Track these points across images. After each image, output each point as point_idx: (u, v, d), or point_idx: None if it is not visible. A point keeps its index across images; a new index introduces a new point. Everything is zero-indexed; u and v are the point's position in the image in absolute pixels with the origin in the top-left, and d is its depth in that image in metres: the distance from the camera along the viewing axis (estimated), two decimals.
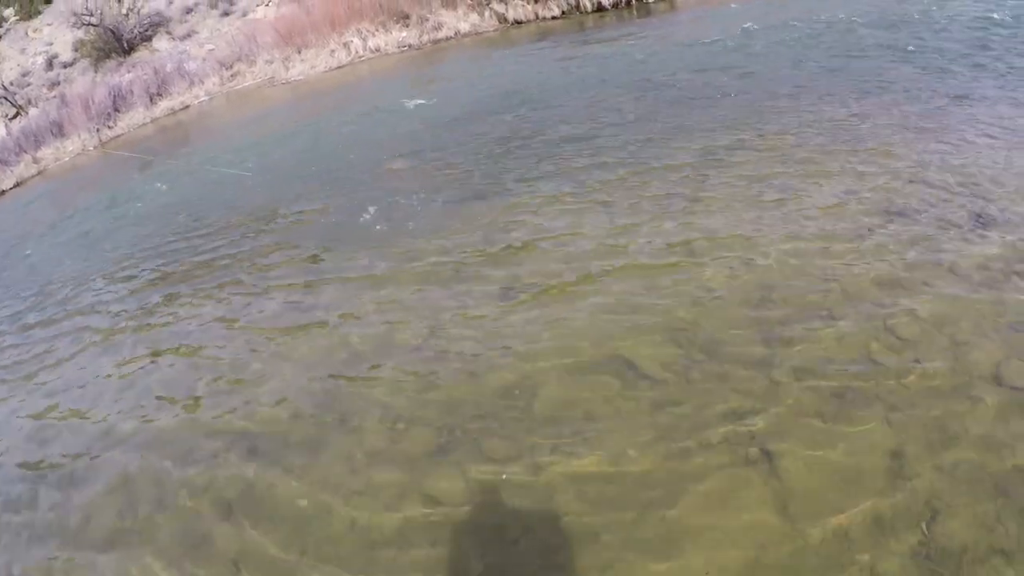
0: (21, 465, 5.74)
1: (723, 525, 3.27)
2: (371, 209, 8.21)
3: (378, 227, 7.69)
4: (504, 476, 3.89)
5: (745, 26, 12.55)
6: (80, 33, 35.51)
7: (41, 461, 5.66)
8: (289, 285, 7.07)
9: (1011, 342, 3.98)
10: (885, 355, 4.04)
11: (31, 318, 9.16)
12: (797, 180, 6.26)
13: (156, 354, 6.62)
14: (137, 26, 34.07)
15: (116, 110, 25.78)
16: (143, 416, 5.68)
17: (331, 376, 5.36)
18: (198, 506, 4.47)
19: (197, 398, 5.66)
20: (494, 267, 6.06)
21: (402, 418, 4.63)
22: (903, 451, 3.38)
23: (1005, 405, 3.59)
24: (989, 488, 3.15)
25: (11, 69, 38.86)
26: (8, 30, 44.13)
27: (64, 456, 5.55)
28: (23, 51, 41.10)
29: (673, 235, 5.83)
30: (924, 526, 2.98)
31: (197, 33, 31.39)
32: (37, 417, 6.34)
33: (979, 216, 5.18)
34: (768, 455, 3.51)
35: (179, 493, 4.63)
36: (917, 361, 3.96)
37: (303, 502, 4.20)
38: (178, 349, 6.58)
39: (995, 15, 10.22)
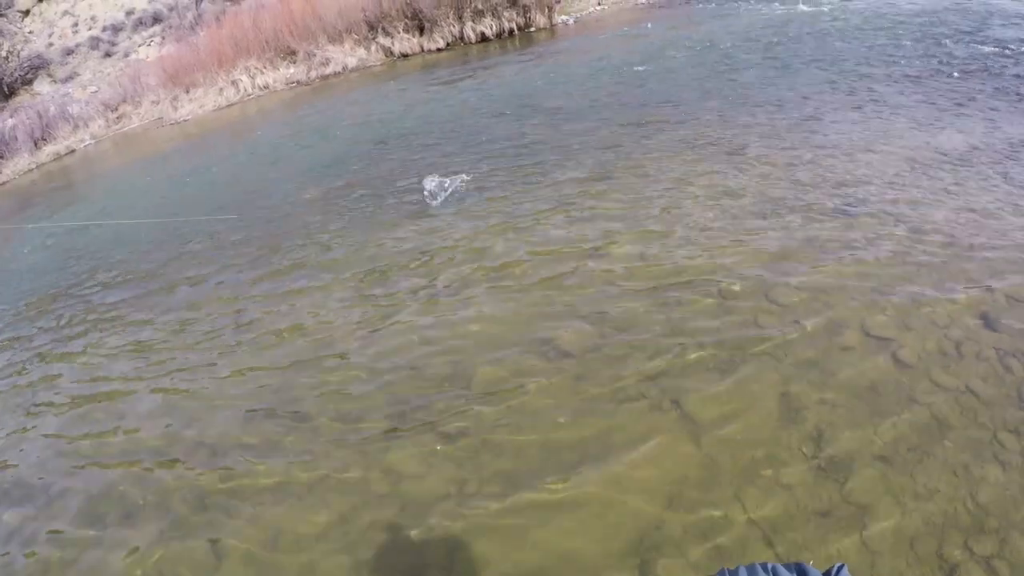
0: None
1: (649, 461, 3.81)
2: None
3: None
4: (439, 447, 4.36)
5: (614, 55, 13.31)
6: None
7: None
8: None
9: (873, 302, 4.76)
10: (768, 319, 4.76)
11: None
12: (677, 183, 7.10)
13: None
14: (17, 69, 33.01)
15: (0, 156, 25.03)
16: None
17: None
18: None
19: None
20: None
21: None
22: (790, 389, 4.06)
23: (870, 348, 4.36)
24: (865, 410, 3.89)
25: None
26: None
27: None
28: None
29: (582, 233, 6.54)
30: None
31: (79, 75, 30.69)
32: None
33: (843, 206, 6.05)
34: (677, 403, 4.14)
35: None
36: (797, 321, 4.68)
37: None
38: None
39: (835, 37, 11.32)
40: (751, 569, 1.00)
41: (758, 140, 7.95)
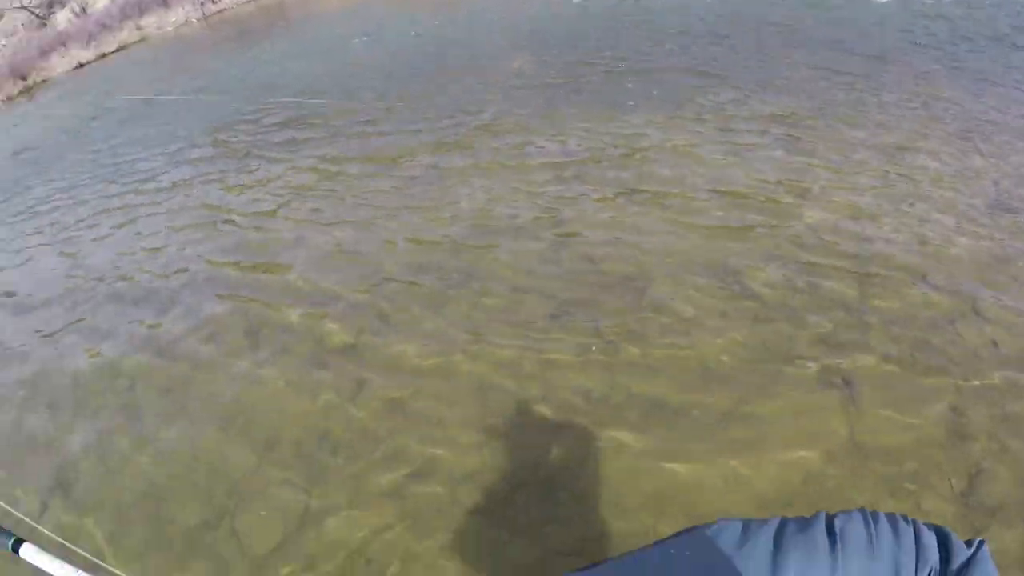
0: None
1: (799, 427, 3.49)
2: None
3: None
4: (594, 349, 4.18)
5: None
6: None
7: None
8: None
9: None
10: (968, 334, 4.10)
11: None
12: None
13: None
14: None
15: None
16: None
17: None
18: None
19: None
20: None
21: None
22: (964, 415, 3.48)
23: None
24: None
25: None
26: None
27: None
28: None
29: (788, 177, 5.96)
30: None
31: None
32: None
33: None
34: (847, 384, 3.81)
35: None
36: (994, 344, 4.03)
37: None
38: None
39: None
40: (891, 518, 0.90)
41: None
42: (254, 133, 10.36)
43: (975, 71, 7.37)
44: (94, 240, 8.16)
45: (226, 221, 7.40)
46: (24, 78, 30.15)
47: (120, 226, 8.32)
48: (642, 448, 3.51)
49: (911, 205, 5.22)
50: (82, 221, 9.02)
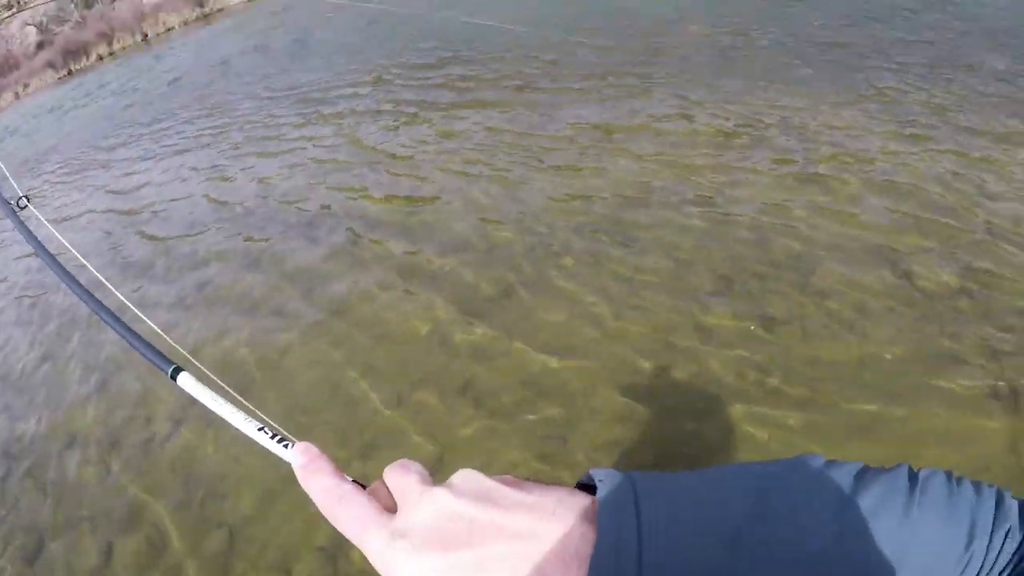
0: None
1: (955, 435, 3.32)
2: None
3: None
4: (752, 328, 4.11)
5: None
6: None
7: None
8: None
9: None
10: None
11: None
12: None
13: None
14: None
15: None
16: None
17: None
18: None
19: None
20: None
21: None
22: None
23: None
24: None
25: None
26: None
27: None
28: None
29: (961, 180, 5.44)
30: None
31: None
32: None
33: None
34: (1016, 393, 3.51)
35: None
36: None
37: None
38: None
39: None
40: (976, 483, 0.79)
41: None
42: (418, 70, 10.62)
43: None
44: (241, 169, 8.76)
45: (382, 162, 7.63)
46: (202, 4, 31.57)
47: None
48: (787, 433, 3.46)
49: None
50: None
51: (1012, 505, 0.80)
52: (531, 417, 3.89)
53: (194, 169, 9.53)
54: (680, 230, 5.12)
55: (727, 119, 6.68)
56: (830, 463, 0.75)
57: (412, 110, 9.02)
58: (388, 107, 9.40)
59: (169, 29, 31.82)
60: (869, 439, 3.38)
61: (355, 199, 6.90)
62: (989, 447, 3.30)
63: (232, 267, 6.46)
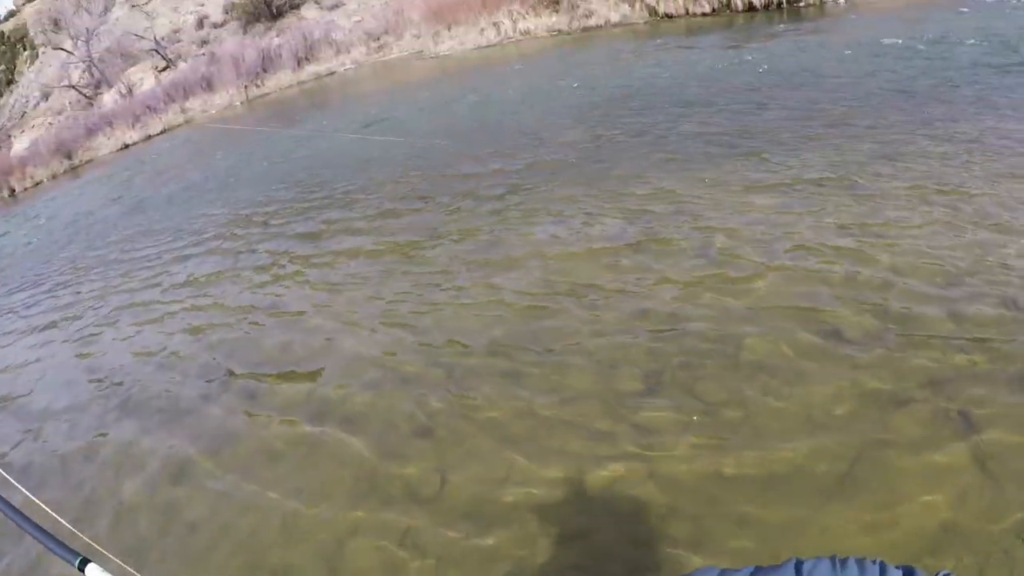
0: None
1: (927, 476, 3.20)
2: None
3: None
4: (695, 418, 3.87)
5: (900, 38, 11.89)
6: None
7: None
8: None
9: None
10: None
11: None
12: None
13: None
14: None
15: (264, 70, 26.97)
16: None
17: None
18: None
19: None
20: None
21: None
22: None
23: None
24: None
25: (163, 26, 40.99)
26: None
27: None
28: (175, 9, 43.27)
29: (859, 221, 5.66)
30: None
31: (344, 4, 32.39)
32: None
33: None
34: (965, 416, 3.54)
35: None
36: None
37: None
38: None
39: None
40: (859, 561, 1.00)
41: None
42: (273, 221, 10.41)
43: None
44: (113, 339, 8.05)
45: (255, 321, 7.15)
46: (70, 156, 31.05)
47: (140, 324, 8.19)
48: (770, 523, 3.24)
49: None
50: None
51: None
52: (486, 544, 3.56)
53: (64, 342, 8.77)
54: (593, 335, 4.94)
55: (613, 216, 6.69)
56: (725, 572, 0.88)
57: (278, 251, 8.83)
58: (253, 253, 9.17)
59: (38, 183, 31.06)
60: (846, 503, 3.23)
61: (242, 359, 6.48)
62: (960, 471, 3.25)
63: (125, 432, 5.84)
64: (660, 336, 4.73)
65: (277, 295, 7.38)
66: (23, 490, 2.42)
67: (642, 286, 5.38)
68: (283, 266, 8.22)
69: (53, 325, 9.39)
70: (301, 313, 6.75)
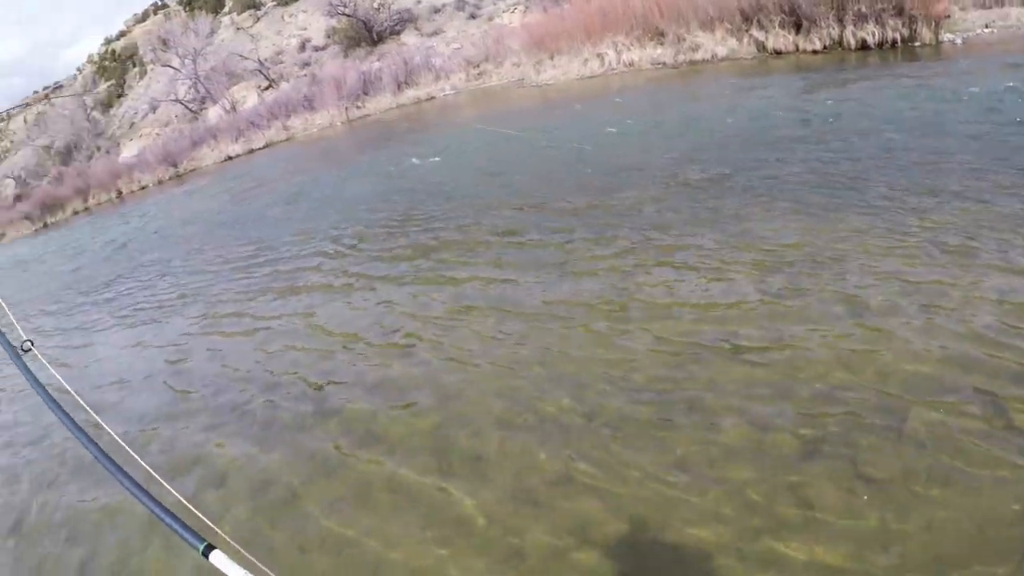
0: None
1: None
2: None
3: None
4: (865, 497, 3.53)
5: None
6: (333, 21, 38.27)
7: None
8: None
9: None
10: None
11: None
12: None
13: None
14: (387, 20, 36.36)
15: (364, 93, 27.63)
16: None
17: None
18: None
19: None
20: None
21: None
22: None
23: None
24: None
25: (266, 48, 42.44)
26: (266, 13, 48.23)
27: None
28: (279, 33, 44.81)
29: None
30: None
31: (443, 32, 33.01)
32: None
33: None
34: None
35: None
36: None
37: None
38: None
39: None
40: None
41: None
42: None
43: None
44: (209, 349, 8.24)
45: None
46: (175, 164, 32.39)
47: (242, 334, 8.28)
48: None
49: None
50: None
51: None
52: None
53: (185, 334, 9.15)
54: (741, 391, 4.61)
55: (746, 266, 6.29)
56: None
57: (384, 275, 8.70)
58: (357, 275, 9.03)
59: (143, 187, 32.75)
60: None
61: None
62: None
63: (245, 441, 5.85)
64: (816, 399, 4.39)
65: (381, 321, 7.27)
66: (156, 476, 2.55)
67: (789, 342, 5.05)
68: (388, 290, 8.14)
69: (162, 316, 10.02)
70: (412, 341, 6.60)
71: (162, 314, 10.43)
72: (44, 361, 3.06)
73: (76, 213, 34.12)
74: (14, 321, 3.60)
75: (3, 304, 3.75)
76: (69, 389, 3.47)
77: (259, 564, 1.77)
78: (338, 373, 6.44)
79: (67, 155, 47.49)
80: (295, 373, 6.70)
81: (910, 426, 3.99)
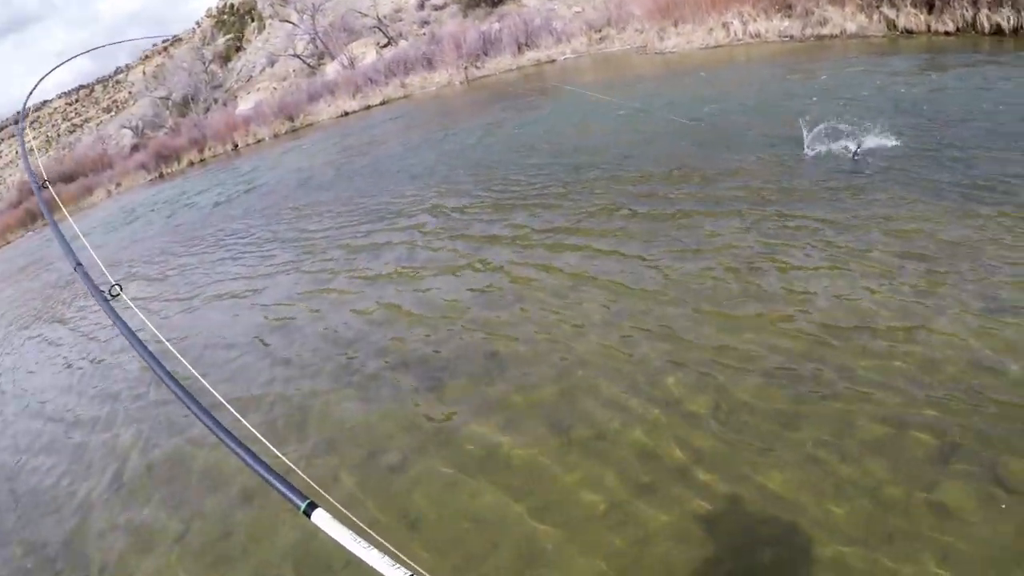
0: None
1: None
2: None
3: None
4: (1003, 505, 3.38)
5: None
6: None
7: None
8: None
9: None
10: None
11: None
12: None
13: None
14: None
15: (484, 53, 28.17)
16: None
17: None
18: None
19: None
20: None
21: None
22: None
23: None
24: None
25: (385, 4, 43.11)
26: None
27: None
28: None
29: None
30: None
31: None
32: None
33: None
34: None
35: None
36: None
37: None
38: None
39: None
40: None
41: None
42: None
43: None
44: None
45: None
46: (291, 119, 33.51)
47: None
48: None
49: None
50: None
51: None
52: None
53: (296, 287, 9.47)
54: (881, 375, 4.49)
55: (882, 252, 6.03)
56: None
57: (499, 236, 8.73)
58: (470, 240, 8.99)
59: (259, 140, 33.72)
60: None
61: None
62: None
63: (346, 396, 6.17)
64: (952, 395, 4.21)
65: (497, 291, 7.31)
66: (260, 436, 2.48)
67: (924, 330, 4.87)
68: (499, 256, 8.19)
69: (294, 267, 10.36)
70: (524, 313, 6.63)
71: (267, 270, 10.83)
72: (135, 308, 3.13)
73: (192, 164, 35.33)
74: (103, 267, 3.63)
75: (88, 247, 3.86)
76: (160, 337, 3.69)
77: (361, 523, 1.75)
78: (446, 344, 6.52)
79: (184, 107, 49.27)
80: (401, 340, 6.82)
81: None
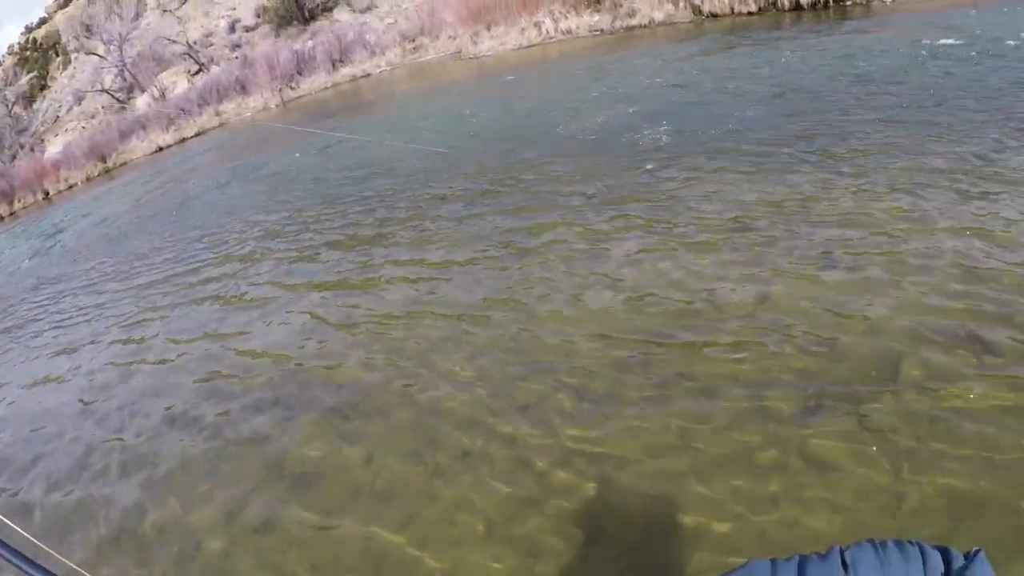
0: None
1: None
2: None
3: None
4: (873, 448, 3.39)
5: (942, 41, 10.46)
6: (263, 0, 37.24)
7: None
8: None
9: None
10: None
11: None
12: None
13: None
14: None
15: (298, 73, 26.85)
16: None
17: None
18: None
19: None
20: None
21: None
22: None
23: None
24: None
25: (195, 30, 41.12)
26: None
27: None
28: (207, 14, 43.39)
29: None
30: None
31: (377, 7, 32.23)
32: None
33: None
34: None
35: None
36: None
37: None
38: None
39: None
40: (898, 543, 1.10)
41: None
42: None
43: None
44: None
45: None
46: (104, 159, 31.13)
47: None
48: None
49: None
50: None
51: (933, 554, 1.10)
52: None
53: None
54: (740, 350, 4.42)
55: (722, 219, 6.10)
56: (775, 566, 1.07)
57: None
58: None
59: (71, 186, 31.34)
60: None
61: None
62: None
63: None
64: (806, 353, 4.24)
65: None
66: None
67: (772, 292, 4.87)
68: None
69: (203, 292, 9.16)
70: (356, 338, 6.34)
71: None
72: None
73: (2, 219, 32.50)
74: None
75: None
76: None
77: None
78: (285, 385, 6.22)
79: None
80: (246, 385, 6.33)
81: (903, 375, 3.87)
